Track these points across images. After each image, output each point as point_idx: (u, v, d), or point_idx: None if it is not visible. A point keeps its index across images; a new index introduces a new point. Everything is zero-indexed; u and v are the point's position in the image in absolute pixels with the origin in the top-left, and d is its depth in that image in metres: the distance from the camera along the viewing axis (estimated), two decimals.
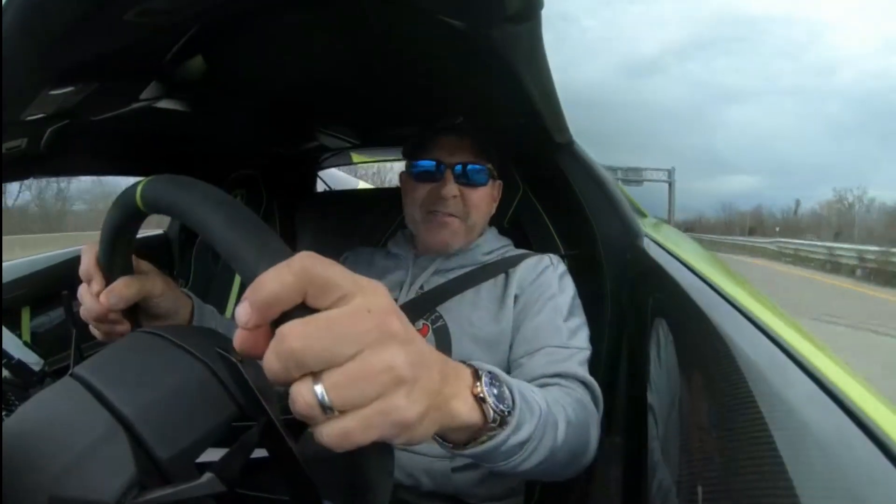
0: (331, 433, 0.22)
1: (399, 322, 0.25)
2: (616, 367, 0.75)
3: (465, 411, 0.32)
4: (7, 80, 0.39)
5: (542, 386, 0.58)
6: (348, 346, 0.22)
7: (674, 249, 0.71)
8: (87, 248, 0.43)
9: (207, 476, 0.25)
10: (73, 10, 0.36)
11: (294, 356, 0.22)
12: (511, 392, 0.37)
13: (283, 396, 0.25)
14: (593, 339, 0.77)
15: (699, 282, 0.54)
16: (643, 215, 1.02)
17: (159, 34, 0.47)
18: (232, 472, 0.26)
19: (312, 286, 0.23)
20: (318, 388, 0.22)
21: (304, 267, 0.23)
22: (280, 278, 0.22)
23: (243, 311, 0.23)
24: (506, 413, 0.35)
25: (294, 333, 0.22)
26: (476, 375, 0.34)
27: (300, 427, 0.25)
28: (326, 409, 0.22)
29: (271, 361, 0.22)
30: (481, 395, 0.33)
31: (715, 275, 0.55)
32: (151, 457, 0.27)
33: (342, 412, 0.22)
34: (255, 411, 0.28)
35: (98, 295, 0.42)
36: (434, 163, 0.73)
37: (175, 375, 0.30)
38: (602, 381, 0.76)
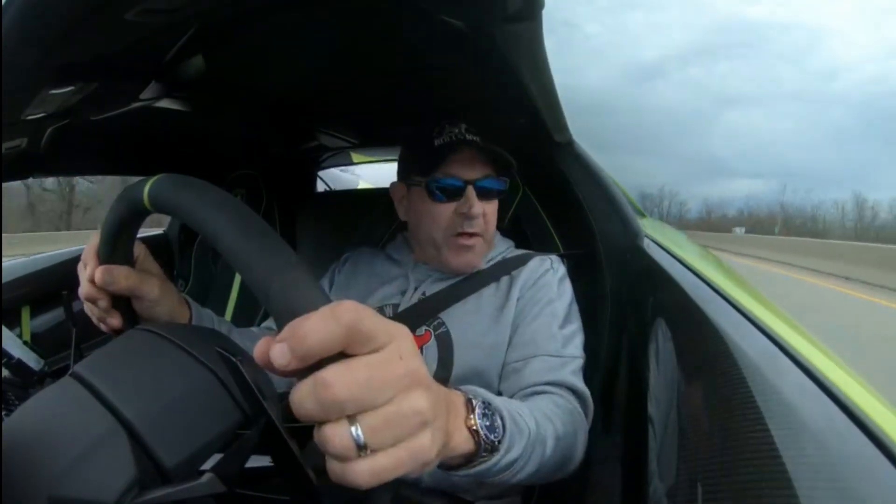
0: (363, 471, 0.24)
1: (424, 367, 0.27)
2: (616, 367, 0.75)
3: (461, 443, 0.35)
4: (7, 79, 0.39)
5: (534, 395, 0.59)
6: (385, 393, 0.24)
7: (674, 249, 0.71)
8: (92, 239, 0.44)
9: (207, 476, 0.25)
10: (73, 10, 0.36)
11: (338, 404, 0.23)
12: (503, 420, 0.40)
13: (284, 396, 0.25)
14: (593, 339, 0.77)
15: (699, 282, 0.54)
16: (643, 215, 1.03)
17: (159, 34, 0.47)
18: (232, 472, 0.26)
19: (356, 339, 0.24)
20: (355, 430, 0.23)
21: (352, 322, 0.23)
22: (327, 330, 0.23)
23: (281, 356, 0.23)
24: (496, 442, 0.38)
25: (340, 383, 0.23)
26: (469, 406, 0.37)
27: (306, 435, 0.25)
28: (361, 449, 0.23)
29: (308, 404, 0.23)
30: (474, 427, 0.36)
31: (715, 275, 0.55)
32: (157, 464, 0.27)
33: (374, 451, 0.24)
34: (257, 412, 0.28)
35: (90, 280, 0.43)
36: (454, 180, 0.68)
37: (179, 380, 0.30)
38: (602, 380, 0.76)
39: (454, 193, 0.69)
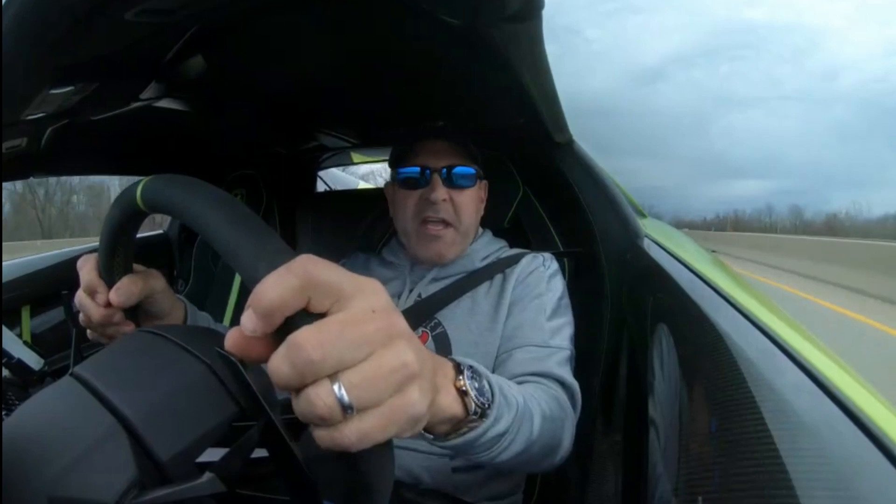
0: (351, 433, 0.22)
1: (402, 319, 0.26)
2: (616, 366, 0.75)
3: (449, 404, 0.34)
4: (7, 79, 0.39)
5: (519, 383, 0.59)
6: (362, 349, 0.23)
7: (674, 249, 0.71)
8: (84, 260, 0.43)
9: (207, 476, 0.25)
10: (73, 10, 0.36)
11: (312, 365, 0.22)
12: (491, 386, 0.39)
13: (285, 399, 0.25)
14: (593, 339, 0.77)
15: (699, 282, 0.54)
16: (643, 215, 1.02)
17: (159, 34, 0.47)
18: (232, 472, 0.26)
19: (316, 291, 0.23)
20: (337, 389, 0.22)
21: (307, 271, 0.23)
22: (283, 284, 0.22)
23: (248, 321, 0.23)
24: (486, 406, 0.37)
25: (311, 343, 0.22)
26: (458, 369, 0.36)
27: (300, 427, 0.25)
28: (347, 410, 0.22)
29: (283, 369, 0.22)
30: (464, 388, 0.35)
31: (715, 275, 0.55)
32: (151, 457, 0.27)
33: (360, 411, 0.23)
34: (256, 411, 0.28)
35: (105, 304, 0.42)
36: (420, 168, 0.72)
37: (175, 375, 0.30)
38: (602, 380, 0.76)
39: (420, 180, 0.72)
